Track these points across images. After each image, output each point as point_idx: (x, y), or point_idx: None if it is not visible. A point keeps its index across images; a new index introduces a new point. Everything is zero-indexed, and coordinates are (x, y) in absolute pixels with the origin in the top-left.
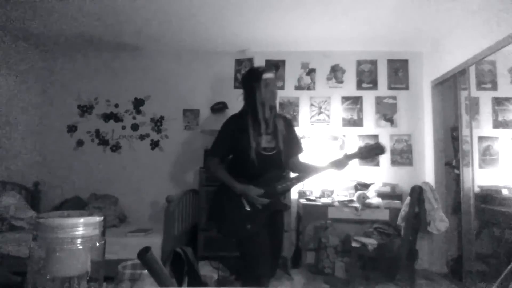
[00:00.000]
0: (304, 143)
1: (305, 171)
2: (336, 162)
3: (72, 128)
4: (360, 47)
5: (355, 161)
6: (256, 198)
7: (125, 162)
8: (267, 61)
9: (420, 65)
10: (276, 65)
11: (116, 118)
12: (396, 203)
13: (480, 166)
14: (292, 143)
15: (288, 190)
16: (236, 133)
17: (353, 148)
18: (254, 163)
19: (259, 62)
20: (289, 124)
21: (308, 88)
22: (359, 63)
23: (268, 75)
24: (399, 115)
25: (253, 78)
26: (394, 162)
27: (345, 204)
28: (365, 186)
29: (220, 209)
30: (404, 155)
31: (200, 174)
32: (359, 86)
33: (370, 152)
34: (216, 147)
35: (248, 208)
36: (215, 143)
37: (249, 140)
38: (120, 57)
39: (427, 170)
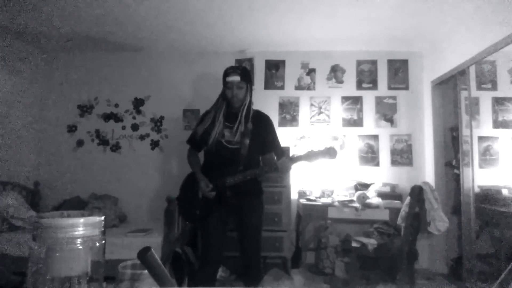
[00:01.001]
0: (303, 143)
1: (265, 168)
2: (279, 164)
3: (72, 128)
4: (360, 47)
5: (353, 163)
6: (204, 190)
7: (125, 162)
8: (267, 61)
9: (420, 65)
10: (277, 65)
11: (116, 118)
12: (396, 203)
13: (480, 166)
14: (264, 141)
15: (237, 184)
16: (206, 124)
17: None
18: (216, 154)
19: (259, 62)
20: (265, 122)
21: (308, 88)
22: (359, 63)
23: (230, 78)
24: (399, 115)
25: (223, 77)
26: (394, 162)
27: (345, 204)
28: (365, 186)
29: (184, 192)
30: (404, 155)
31: None
32: (359, 86)
33: (318, 156)
34: (190, 136)
35: (200, 196)
36: (192, 133)
37: (213, 131)
38: (120, 57)
39: (427, 170)
